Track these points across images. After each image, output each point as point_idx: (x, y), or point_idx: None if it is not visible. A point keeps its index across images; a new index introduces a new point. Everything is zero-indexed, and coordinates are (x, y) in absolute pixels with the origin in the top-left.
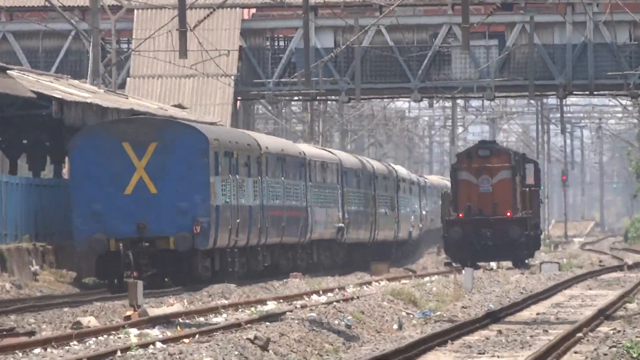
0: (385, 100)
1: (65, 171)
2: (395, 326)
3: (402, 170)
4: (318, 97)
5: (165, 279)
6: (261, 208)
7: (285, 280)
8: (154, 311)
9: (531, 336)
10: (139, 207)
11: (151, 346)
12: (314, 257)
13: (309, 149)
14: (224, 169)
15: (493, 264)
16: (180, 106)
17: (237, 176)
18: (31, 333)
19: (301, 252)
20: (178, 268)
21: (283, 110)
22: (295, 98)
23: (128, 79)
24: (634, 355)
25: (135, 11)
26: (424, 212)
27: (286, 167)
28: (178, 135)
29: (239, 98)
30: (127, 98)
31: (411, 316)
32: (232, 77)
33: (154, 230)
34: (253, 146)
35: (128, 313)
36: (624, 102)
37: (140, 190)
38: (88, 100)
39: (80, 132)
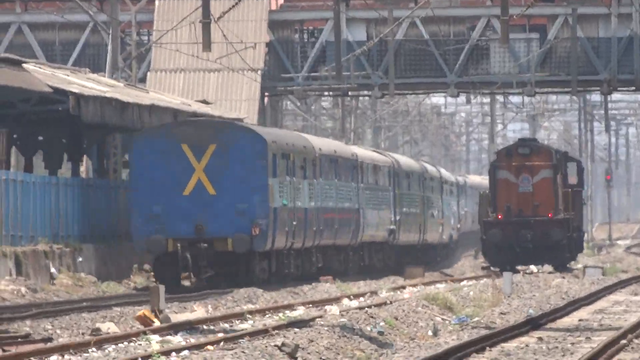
0: (420, 95)
1: (83, 169)
2: (430, 332)
3: (444, 171)
4: (350, 93)
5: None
6: (316, 210)
7: (314, 284)
8: (176, 317)
9: (573, 343)
10: (198, 208)
11: (173, 353)
12: (365, 259)
13: (361, 151)
14: (282, 171)
15: (533, 268)
16: (204, 102)
17: (293, 178)
18: (48, 339)
19: (352, 254)
20: (236, 270)
21: (312, 107)
22: (326, 93)
23: (149, 72)
24: None
25: (157, 1)
26: (462, 212)
27: (339, 169)
28: (237, 137)
29: (267, 93)
30: (147, 93)
31: (447, 322)
32: (259, 72)
33: (212, 231)
34: (308, 148)
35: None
36: None
37: (198, 191)
38: (107, 95)
39: (139, 134)
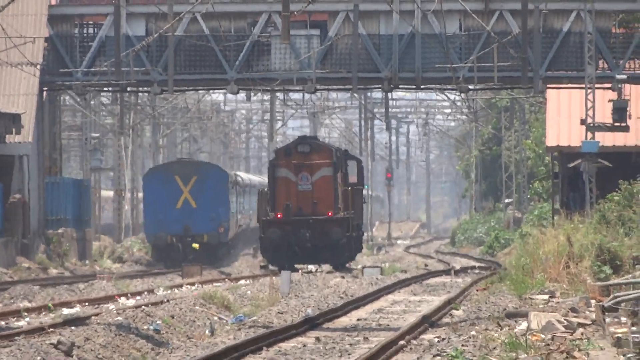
0: (200, 92)
1: None
2: (207, 332)
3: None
4: (129, 88)
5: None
6: (239, 214)
7: (91, 282)
8: None
9: (351, 344)
10: (185, 216)
11: None
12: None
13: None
14: (232, 192)
15: (312, 267)
16: None
17: (235, 196)
18: None
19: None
20: (210, 254)
21: (92, 102)
22: (105, 89)
23: None
24: None
25: None
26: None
27: (247, 190)
28: (210, 171)
29: (45, 88)
30: None
31: (224, 321)
32: (38, 66)
33: (194, 230)
34: (237, 178)
35: None
36: (452, 96)
37: (186, 205)
38: None
39: (149, 170)
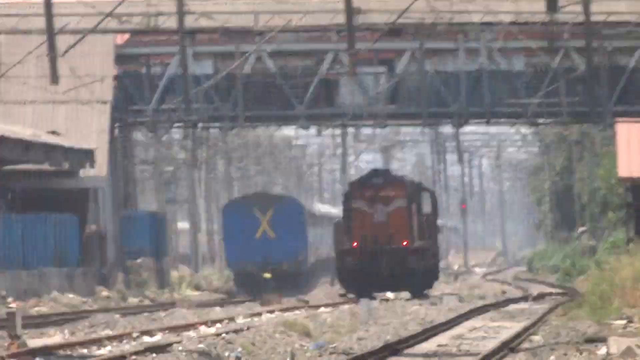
0: (271, 128)
1: None
2: (287, 359)
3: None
4: (200, 124)
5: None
6: (315, 243)
7: (171, 310)
8: (34, 342)
9: None
10: (264, 246)
11: None
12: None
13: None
14: (309, 222)
15: (390, 295)
16: (54, 133)
17: (311, 226)
18: None
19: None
20: (290, 282)
21: (163, 138)
22: (176, 125)
23: None
24: None
25: (0, 36)
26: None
27: (324, 220)
28: (286, 203)
29: (117, 124)
30: None
31: (305, 348)
32: (108, 104)
33: (274, 259)
34: (314, 209)
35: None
36: (522, 130)
37: (264, 235)
38: None
39: (228, 202)
